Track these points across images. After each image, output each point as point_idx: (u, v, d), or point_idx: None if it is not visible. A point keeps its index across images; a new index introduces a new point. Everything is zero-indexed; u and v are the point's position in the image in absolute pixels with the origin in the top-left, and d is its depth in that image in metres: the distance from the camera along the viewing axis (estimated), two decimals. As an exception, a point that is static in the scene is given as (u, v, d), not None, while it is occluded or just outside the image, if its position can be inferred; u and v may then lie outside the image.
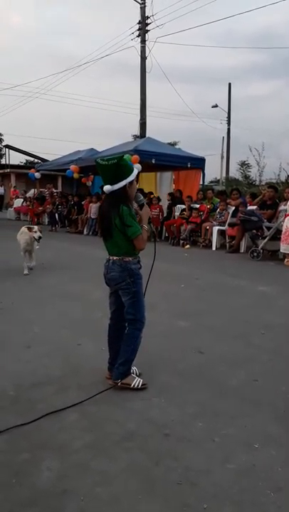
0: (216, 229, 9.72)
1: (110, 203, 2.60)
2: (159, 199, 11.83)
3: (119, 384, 2.64)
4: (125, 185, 2.55)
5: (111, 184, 2.54)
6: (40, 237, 6.15)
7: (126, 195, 2.58)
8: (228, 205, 9.90)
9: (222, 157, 27.08)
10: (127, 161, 2.60)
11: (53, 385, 2.72)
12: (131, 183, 2.58)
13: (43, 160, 18.63)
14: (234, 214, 9.50)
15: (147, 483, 1.83)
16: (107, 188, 2.56)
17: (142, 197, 2.73)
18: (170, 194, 12.40)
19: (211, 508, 1.69)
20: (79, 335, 3.65)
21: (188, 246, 9.91)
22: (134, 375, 2.73)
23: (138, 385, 2.66)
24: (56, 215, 14.53)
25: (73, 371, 2.93)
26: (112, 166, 2.50)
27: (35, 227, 6.33)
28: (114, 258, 2.63)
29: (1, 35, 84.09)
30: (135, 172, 2.61)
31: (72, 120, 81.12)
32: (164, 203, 12.06)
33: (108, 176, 2.54)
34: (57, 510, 1.68)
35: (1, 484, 1.82)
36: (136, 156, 9.90)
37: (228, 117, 26.36)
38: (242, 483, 1.84)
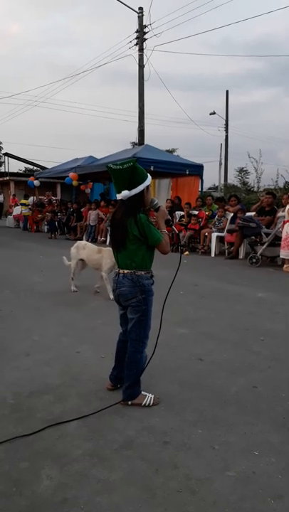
0: (214, 235, 9.75)
1: (126, 210, 2.40)
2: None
3: (129, 404, 2.55)
4: (143, 190, 2.38)
5: (128, 189, 2.34)
6: None
7: (143, 200, 2.42)
8: (227, 212, 9.94)
9: (220, 164, 27.20)
10: None
11: (52, 394, 2.71)
12: (147, 187, 2.41)
13: (42, 168, 18.68)
14: (233, 220, 9.54)
15: (147, 492, 1.83)
16: (124, 193, 2.35)
17: (157, 200, 2.58)
18: (169, 200, 12.43)
19: (211, 516, 1.69)
20: (78, 343, 3.65)
21: (187, 253, 9.92)
22: (145, 393, 2.61)
23: (149, 403, 2.56)
24: (56, 222, 14.61)
25: (72, 379, 2.93)
26: (128, 169, 2.31)
27: None
28: (126, 271, 2.46)
29: (1, 44, 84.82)
30: (150, 176, 2.44)
31: (71, 128, 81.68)
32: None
33: (124, 180, 2.34)
34: (57, 520, 1.67)
35: (0, 493, 1.81)
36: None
37: (226, 124, 26.56)
38: (242, 491, 1.84)
